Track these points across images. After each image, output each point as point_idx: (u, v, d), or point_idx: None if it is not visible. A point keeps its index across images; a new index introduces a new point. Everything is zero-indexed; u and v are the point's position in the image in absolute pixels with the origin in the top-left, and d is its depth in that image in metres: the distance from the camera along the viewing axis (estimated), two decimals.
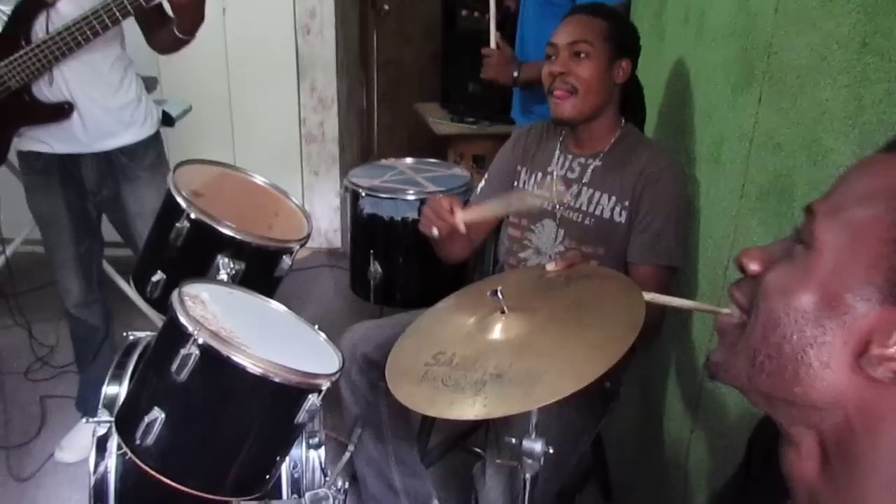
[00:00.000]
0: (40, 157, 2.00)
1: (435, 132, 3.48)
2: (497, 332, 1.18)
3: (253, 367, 1.23)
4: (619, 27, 1.63)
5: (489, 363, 1.11)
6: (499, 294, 1.20)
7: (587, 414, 1.67)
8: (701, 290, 1.58)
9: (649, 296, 1.19)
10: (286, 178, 3.42)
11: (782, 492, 0.62)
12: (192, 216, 1.58)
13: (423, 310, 1.45)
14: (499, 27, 2.25)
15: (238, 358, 1.22)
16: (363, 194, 2.39)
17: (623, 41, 1.62)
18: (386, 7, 4.59)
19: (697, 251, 1.61)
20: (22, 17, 1.81)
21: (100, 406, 1.60)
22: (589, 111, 1.61)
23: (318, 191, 3.55)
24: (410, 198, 2.35)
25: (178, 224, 1.60)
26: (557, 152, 1.74)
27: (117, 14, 1.77)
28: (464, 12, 3.69)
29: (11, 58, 1.81)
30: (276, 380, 1.25)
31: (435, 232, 1.59)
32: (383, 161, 2.71)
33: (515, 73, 2.20)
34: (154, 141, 2.11)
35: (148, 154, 2.08)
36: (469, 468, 1.79)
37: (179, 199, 1.60)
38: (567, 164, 1.71)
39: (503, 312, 1.20)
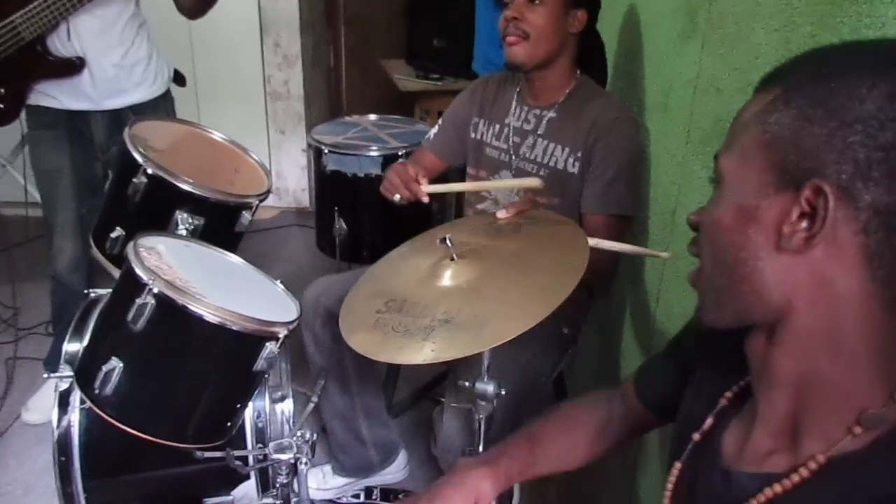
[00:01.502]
0: (49, 112, 1.99)
1: (400, 89, 3.46)
2: (447, 278, 1.21)
3: (209, 316, 1.25)
4: None
5: (439, 309, 1.15)
6: (448, 241, 1.22)
7: (544, 357, 1.71)
8: (652, 235, 1.62)
9: (593, 241, 1.23)
10: (252, 136, 3.40)
11: (735, 375, 0.76)
12: (149, 171, 1.58)
13: None
14: None
15: (194, 306, 1.24)
16: (326, 151, 2.39)
17: None
18: None
19: (648, 198, 1.64)
20: None
21: (61, 362, 1.61)
22: (541, 57, 1.62)
23: (285, 149, 3.53)
24: (374, 154, 2.36)
25: (135, 179, 1.60)
26: (514, 103, 1.75)
27: None
28: None
29: (27, 8, 1.81)
30: (233, 328, 1.27)
31: (397, 198, 1.63)
32: (347, 118, 2.71)
33: None
34: (164, 100, 2.11)
35: (158, 113, 2.06)
36: (433, 415, 1.84)
37: (136, 155, 1.60)
38: (523, 115, 1.73)
39: (453, 259, 1.23)
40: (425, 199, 1.60)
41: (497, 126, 1.78)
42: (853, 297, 0.60)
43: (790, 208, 0.61)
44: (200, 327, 1.26)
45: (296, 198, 3.63)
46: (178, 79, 2.22)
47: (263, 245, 3.27)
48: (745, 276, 0.65)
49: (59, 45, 1.92)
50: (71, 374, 1.51)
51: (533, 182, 1.53)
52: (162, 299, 1.25)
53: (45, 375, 1.57)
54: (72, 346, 1.63)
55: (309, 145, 2.46)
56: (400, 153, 2.38)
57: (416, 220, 2.22)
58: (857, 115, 0.57)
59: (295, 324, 1.39)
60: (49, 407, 2.18)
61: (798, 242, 0.60)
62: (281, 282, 1.57)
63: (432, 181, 1.68)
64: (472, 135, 1.83)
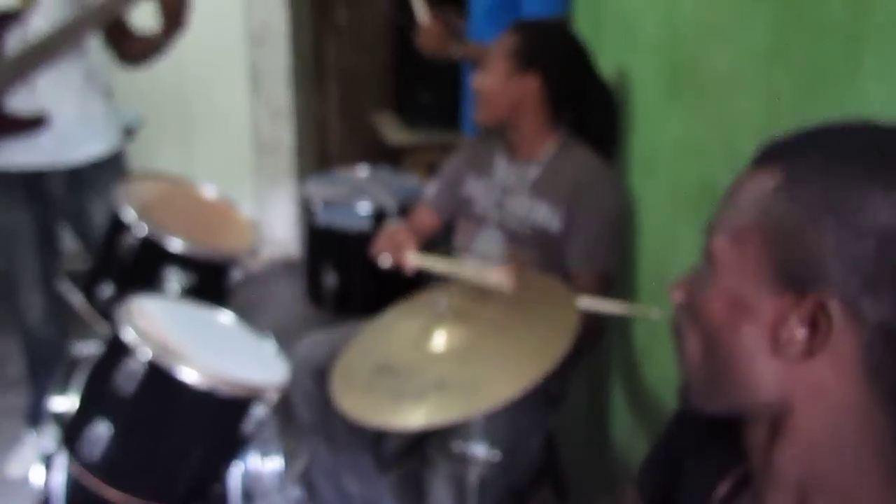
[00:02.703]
0: (6, 173, 1.95)
1: (390, 142, 3.50)
2: (438, 341, 1.22)
3: (198, 380, 1.25)
4: (529, 42, 1.66)
5: (431, 372, 1.15)
6: (439, 305, 1.23)
7: (534, 416, 1.70)
8: (642, 293, 1.63)
9: (584, 301, 1.24)
10: (242, 188, 3.42)
11: (730, 461, 0.70)
12: (141, 231, 1.59)
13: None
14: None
15: (183, 371, 1.24)
16: (318, 204, 2.41)
17: (531, 56, 1.65)
18: (341, 17, 4.61)
19: (636, 256, 1.66)
20: None
21: (44, 419, 1.59)
22: (495, 118, 1.69)
23: (274, 201, 3.55)
24: (364, 209, 2.38)
25: (126, 238, 1.61)
26: (500, 159, 1.78)
27: (90, 25, 1.78)
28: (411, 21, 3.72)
29: None
30: (222, 392, 1.27)
31: (384, 262, 1.66)
32: (338, 171, 2.73)
33: (454, 50, 2.21)
34: (120, 156, 2.10)
35: (116, 166, 2.05)
36: (423, 473, 1.82)
37: (127, 214, 1.61)
38: (508, 171, 1.76)
39: (443, 322, 1.24)
40: (408, 271, 1.63)
41: (484, 181, 1.81)
42: (855, 407, 0.57)
43: (789, 314, 0.57)
44: (190, 392, 1.26)
45: (284, 248, 3.63)
46: (127, 131, 2.22)
47: (251, 294, 3.26)
48: (737, 372, 0.61)
49: (17, 102, 1.88)
50: (55, 432, 1.49)
51: (502, 282, 1.40)
52: (152, 364, 1.24)
53: (32, 433, 1.54)
54: (57, 402, 1.61)
55: (300, 198, 2.48)
56: (391, 209, 2.40)
57: (406, 275, 2.22)
58: (871, 226, 0.53)
59: (284, 386, 1.38)
60: (30, 460, 2.17)
61: (796, 352, 0.57)
62: (271, 337, 1.57)
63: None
64: (463, 190, 1.86)
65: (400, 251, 1.63)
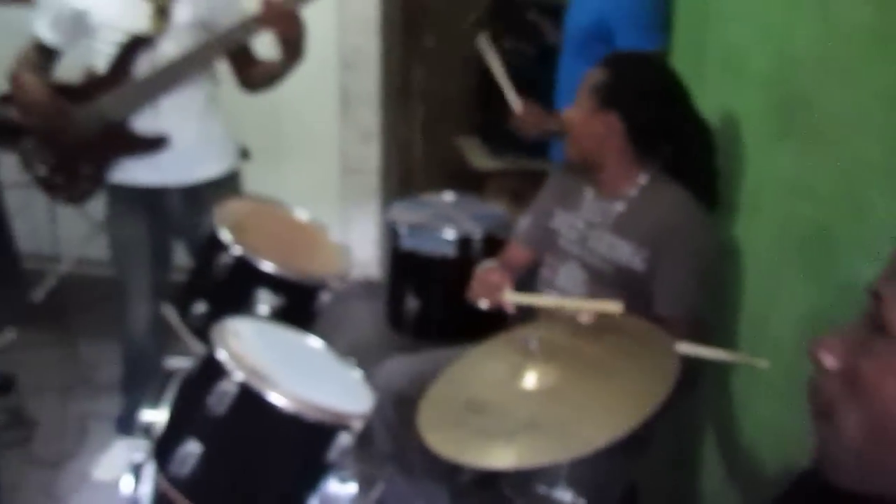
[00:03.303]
0: (129, 188, 2.04)
1: (474, 167, 3.50)
2: (529, 380, 1.19)
3: (287, 405, 1.26)
4: (613, 78, 1.62)
5: (522, 411, 1.12)
6: (530, 343, 1.21)
7: (619, 462, 1.64)
8: (740, 342, 1.56)
9: (683, 347, 1.19)
10: (326, 208, 3.46)
11: None
12: (235, 252, 1.63)
13: (459, 347, 1.47)
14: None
15: (273, 395, 1.26)
16: (403, 229, 2.42)
17: (613, 93, 1.61)
18: (429, 41, 4.67)
19: (736, 303, 1.59)
20: (127, 54, 1.88)
21: (137, 429, 1.63)
22: (580, 155, 1.68)
23: (358, 222, 3.59)
24: (449, 235, 2.38)
25: (221, 258, 1.65)
26: (587, 193, 1.75)
27: (220, 50, 1.86)
28: (505, 45, 3.71)
29: (115, 91, 1.89)
30: (309, 418, 1.28)
31: (482, 304, 1.67)
32: (423, 196, 2.74)
33: (550, 125, 2.23)
34: (235, 176, 2.16)
35: (229, 188, 2.12)
36: None
37: (223, 235, 1.65)
38: (594, 206, 1.72)
39: (534, 361, 1.21)
40: (510, 310, 1.62)
41: (571, 215, 1.77)
42: None
43: None
44: (278, 417, 1.27)
45: (365, 270, 3.67)
46: (243, 153, 2.29)
47: (331, 315, 3.29)
48: None
49: (143, 123, 1.97)
50: (145, 442, 1.52)
51: (614, 308, 1.42)
52: (243, 386, 1.26)
53: (123, 441, 1.58)
54: (150, 415, 1.65)
55: (386, 223, 2.50)
56: (476, 236, 2.39)
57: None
58: None
59: (369, 415, 1.38)
60: (119, 466, 2.24)
61: None
62: (357, 365, 1.57)
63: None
64: (552, 223, 1.83)
65: (496, 292, 1.63)
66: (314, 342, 1.58)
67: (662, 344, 1.20)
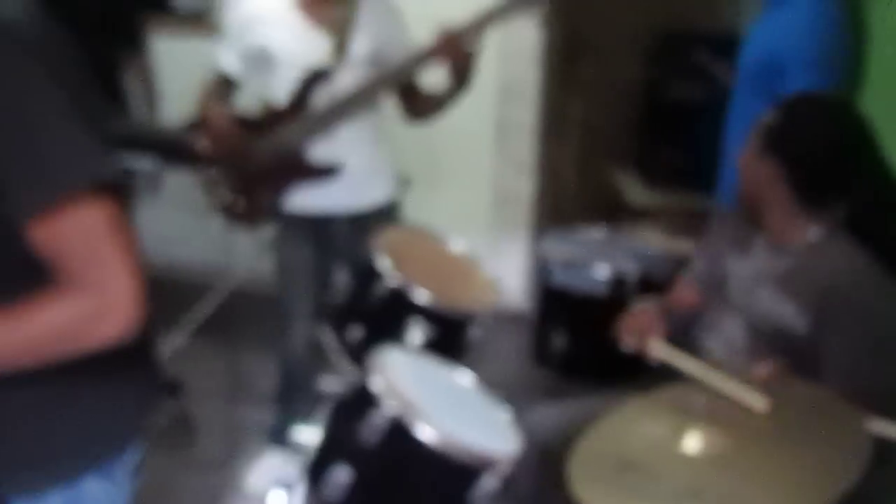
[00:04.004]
0: (298, 215, 2.14)
1: (629, 202, 3.41)
2: (692, 443, 1.12)
3: (436, 442, 1.26)
4: (777, 124, 1.51)
5: (681, 478, 1.06)
6: (695, 402, 1.14)
7: None
8: None
9: (876, 425, 1.07)
10: (477, 238, 3.47)
11: None
12: (392, 281, 1.66)
13: (610, 394, 1.42)
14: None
15: (423, 431, 1.26)
16: (554, 265, 2.40)
17: (775, 140, 1.50)
18: (588, 72, 4.62)
19: None
20: (305, 87, 2.00)
21: (289, 444, 1.69)
22: (743, 198, 1.60)
23: (507, 253, 3.58)
24: (602, 273, 2.33)
25: (378, 286, 1.68)
26: (759, 241, 1.64)
27: (395, 81, 1.94)
28: (671, 79, 3.61)
29: (293, 123, 2.00)
30: (457, 457, 1.27)
31: (626, 345, 1.64)
32: (577, 231, 2.70)
33: None
34: (396, 205, 2.23)
35: (392, 213, 2.20)
36: None
37: (381, 263, 1.69)
38: (763, 256, 1.61)
39: (698, 422, 1.14)
40: (651, 358, 1.58)
41: (742, 262, 1.67)
42: None
43: None
44: (427, 453, 1.26)
45: (511, 301, 3.65)
46: (405, 181, 2.34)
47: (476, 346, 3.30)
48: None
49: (317, 153, 2.06)
50: (299, 462, 1.58)
51: (757, 403, 1.26)
52: (396, 420, 1.27)
53: (276, 454, 1.63)
54: (303, 433, 1.71)
55: (537, 256, 2.48)
56: (630, 276, 2.32)
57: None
58: None
59: (516, 460, 1.35)
60: (269, 475, 2.34)
61: None
62: (507, 405, 1.55)
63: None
64: (722, 267, 1.73)
65: (644, 337, 1.59)
66: (465, 378, 1.58)
67: (849, 418, 1.09)
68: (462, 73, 1.92)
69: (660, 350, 1.54)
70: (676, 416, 1.18)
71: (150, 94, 3.73)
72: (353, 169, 2.07)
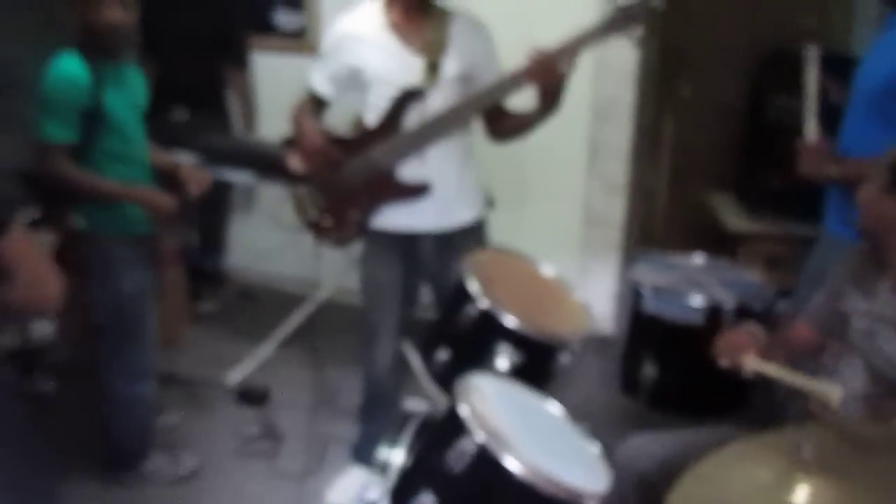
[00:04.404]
0: (387, 234, 2.16)
1: (726, 227, 3.28)
2: (800, 494, 1.04)
3: (523, 474, 1.23)
4: None
5: None
6: (803, 449, 1.06)
7: None
8: None
9: None
10: (566, 259, 3.43)
11: None
12: (482, 304, 1.64)
13: (709, 429, 1.35)
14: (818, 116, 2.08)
15: (510, 462, 1.23)
16: (646, 291, 2.32)
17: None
18: (685, 90, 4.49)
19: None
20: (398, 107, 2.02)
21: (373, 465, 1.68)
22: (864, 233, 1.54)
23: (596, 275, 3.51)
24: (696, 302, 2.24)
25: (468, 308, 1.67)
26: (884, 282, 1.54)
27: (486, 102, 1.93)
28: (776, 99, 3.45)
29: (385, 142, 2.02)
30: (544, 491, 1.23)
31: (721, 363, 1.60)
32: (670, 257, 2.61)
33: (831, 171, 2.00)
34: (483, 224, 2.22)
35: (479, 233, 2.19)
36: None
37: (471, 286, 1.67)
38: (888, 299, 1.51)
39: (805, 472, 1.06)
40: (747, 374, 1.55)
41: (863, 302, 1.57)
42: None
43: None
44: (513, 484, 1.23)
45: (600, 325, 3.57)
46: (489, 201, 2.31)
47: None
48: None
49: (407, 172, 2.07)
50: (382, 483, 1.57)
51: (830, 397, 1.31)
52: (483, 448, 1.25)
53: (361, 473, 1.62)
54: (387, 454, 1.70)
55: (628, 282, 2.41)
56: (727, 305, 2.22)
57: (739, 384, 2.02)
58: None
59: (605, 497, 1.30)
60: (351, 493, 2.35)
61: None
62: (591, 433, 1.51)
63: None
64: (842, 306, 1.63)
65: (738, 352, 1.57)
66: (553, 407, 1.54)
67: None
68: (552, 96, 1.89)
69: (754, 363, 1.53)
70: (783, 462, 1.11)
71: (250, 110, 3.86)
72: (442, 188, 2.07)
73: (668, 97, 4.45)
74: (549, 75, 1.83)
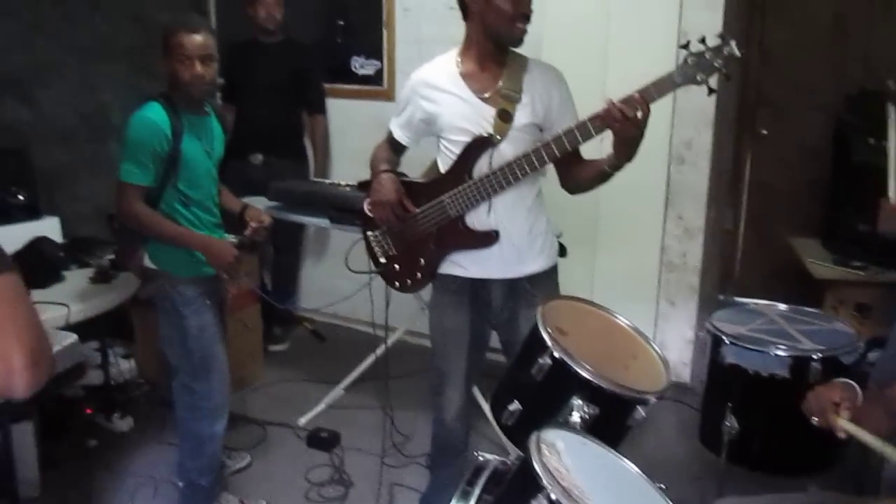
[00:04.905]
0: (456, 280, 2.15)
1: (811, 274, 3.13)
2: None
3: None
4: None
5: None
6: None
7: None
8: None
9: None
10: (641, 305, 3.36)
11: None
12: (555, 355, 1.60)
13: (802, 494, 1.26)
14: None
15: None
16: (726, 341, 2.23)
17: None
18: (764, 131, 4.37)
19: None
20: (470, 154, 2.02)
21: None
22: None
23: (672, 321, 3.41)
24: (781, 353, 2.13)
25: (540, 360, 1.63)
26: None
27: (557, 151, 1.90)
28: (862, 140, 3.31)
29: (456, 189, 2.03)
30: None
31: (813, 421, 1.51)
32: (751, 304, 2.51)
33: None
34: (554, 271, 2.19)
35: (549, 282, 2.16)
36: None
37: (545, 335, 1.63)
38: None
39: None
40: (839, 434, 1.46)
41: None
42: None
43: None
44: None
45: (676, 371, 3.46)
46: (561, 250, 2.27)
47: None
48: None
49: (477, 219, 2.06)
50: None
51: None
52: None
53: None
54: None
55: (707, 331, 2.32)
56: (814, 356, 2.11)
57: (828, 442, 1.91)
58: None
59: None
60: None
61: None
62: (667, 496, 1.43)
63: None
64: None
65: (831, 412, 1.48)
66: (629, 466, 1.48)
67: None
68: (628, 144, 1.84)
69: (849, 427, 1.44)
70: None
71: (326, 154, 3.96)
72: (511, 237, 2.06)
73: (749, 137, 4.34)
74: (624, 123, 1.80)
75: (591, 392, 1.59)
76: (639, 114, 1.78)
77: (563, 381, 1.60)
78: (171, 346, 2.36)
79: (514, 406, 1.69)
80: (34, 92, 3.43)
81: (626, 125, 1.79)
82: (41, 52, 3.43)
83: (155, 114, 2.18)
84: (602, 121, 1.82)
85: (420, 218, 2.11)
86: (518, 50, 2.04)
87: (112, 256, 2.95)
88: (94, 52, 3.65)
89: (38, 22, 3.41)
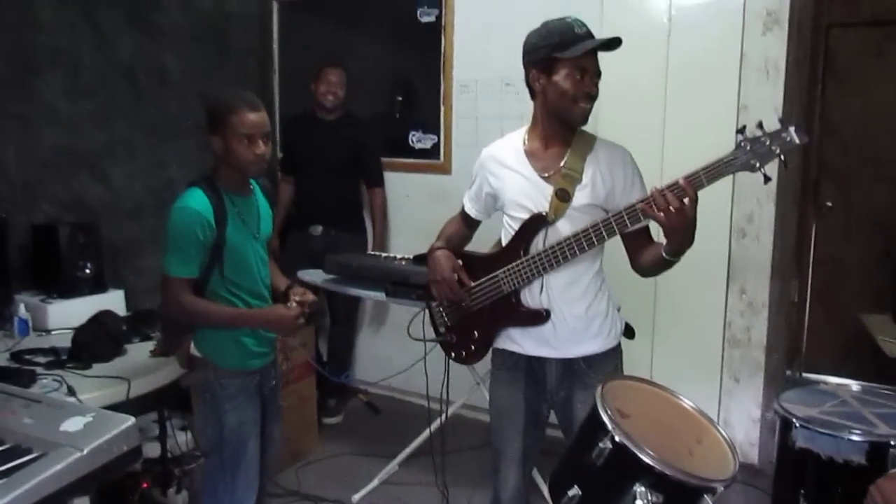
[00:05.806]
0: (512, 356, 2.13)
1: (885, 352, 3.00)
2: None
3: None
4: None
5: None
6: None
7: None
8: None
9: None
10: (704, 382, 3.25)
11: None
12: (616, 439, 1.54)
13: None
14: None
15: None
16: (797, 424, 2.13)
17: None
18: (829, 203, 4.27)
19: None
20: (526, 231, 2.02)
21: None
22: None
23: (737, 398, 3.28)
24: (856, 438, 2.02)
25: (600, 443, 1.57)
26: None
27: (605, 233, 1.88)
28: None
29: (510, 265, 2.02)
30: None
31: None
32: (822, 385, 2.41)
33: None
34: (614, 352, 2.13)
35: (607, 364, 2.09)
36: None
37: (605, 419, 1.58)
38: None
39: None
40: None
41: None
42: None
43: None
44: None
45: (742, 451, 3.31)
46: (629, 331, 2.20)
47: None
48: None
49: (530, 297, 2.04)
50: None
51: None
52: None
53: None
54: None
55: (776, 412, 2.22)
56: (892, 442, 2.00)
57: None
58: None
59: None
60: None
61: None
62: None
63: None
64: None
65: None
66: None
67: None
68: (677, 232, 1.78)
69: None
70: None
71: (384, 226, 4.02)
72: (567, 316, 2.02)
73: (813, 209, 4.24)
74: (668, 212, 1.76)
75: (654, 479, 1.52)
76: (686, 201, 1.74)
77: (625, 467, 1.54)
78: (204, 435, 2.29)
79: (574, 491, 1.62)
80: (107, 168, 3.59)
81: (671, 215, 1.75)
82: (115, 129, 3.61)
83: (197, 202, 2.08)
84: (644, 210, 1.79)
85: (475, 291, 2.10)
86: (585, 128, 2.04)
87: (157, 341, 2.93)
88: (162, 130, 3.82)
89: (112, 101, 3.60)
